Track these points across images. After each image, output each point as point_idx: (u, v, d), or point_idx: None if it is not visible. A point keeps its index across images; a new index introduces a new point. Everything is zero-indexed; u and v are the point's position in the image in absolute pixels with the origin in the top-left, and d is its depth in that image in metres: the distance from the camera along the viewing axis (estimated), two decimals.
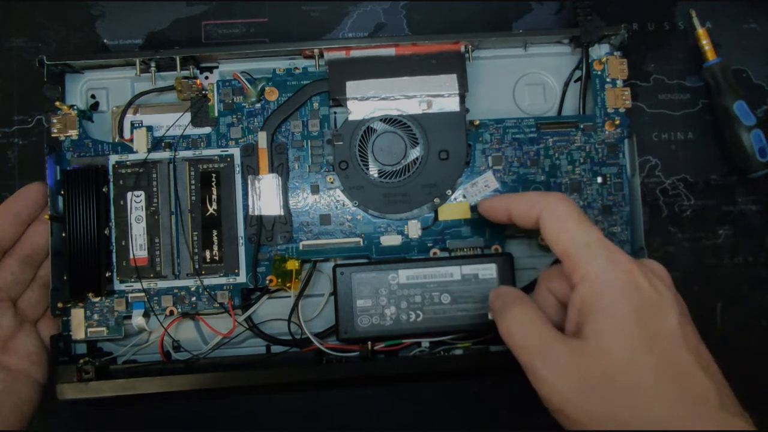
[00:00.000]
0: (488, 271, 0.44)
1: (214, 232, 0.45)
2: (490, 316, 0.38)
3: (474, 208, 0.45)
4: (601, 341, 0.31)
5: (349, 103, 0.46)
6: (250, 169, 0.46)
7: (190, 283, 0.45)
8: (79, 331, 0.45)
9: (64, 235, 0.44)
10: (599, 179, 0.47)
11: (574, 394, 0.31)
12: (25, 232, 0.45)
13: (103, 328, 0.45)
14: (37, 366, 0.44)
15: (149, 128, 0.46)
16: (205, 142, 0.46)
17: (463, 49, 0.46)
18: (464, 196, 0.47)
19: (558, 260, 0.36)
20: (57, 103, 0.46)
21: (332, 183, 0.46)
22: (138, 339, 0.47)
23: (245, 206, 0.46)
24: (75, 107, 0.46)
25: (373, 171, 0.46)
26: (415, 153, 0.46)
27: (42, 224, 0.45)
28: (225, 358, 0.46)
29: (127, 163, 0.46)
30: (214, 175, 0.46)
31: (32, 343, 0.44)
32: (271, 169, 0.46)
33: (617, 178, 0.47)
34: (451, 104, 0.46)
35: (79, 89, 0.48)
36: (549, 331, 0.33)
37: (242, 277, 0.46)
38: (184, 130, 0.47)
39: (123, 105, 0.47)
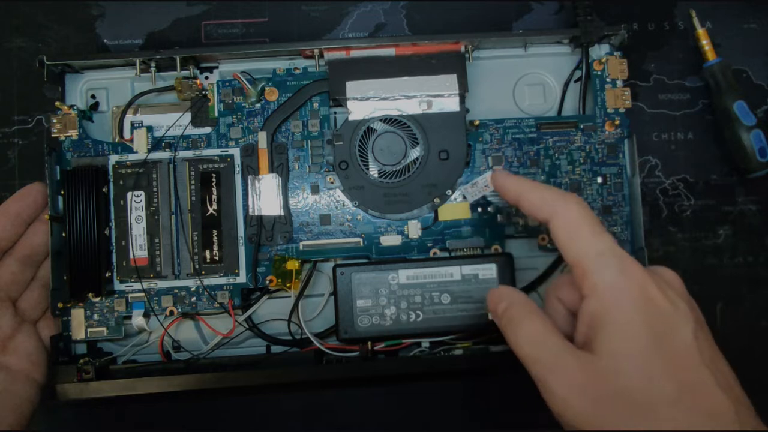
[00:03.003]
0: (488, 271, 0.44)
1: (214, 232, 0.45)
2: (489, 317, 0.37)
3: (473, 201, 0.45)
4: (614, 358, 0.30)
5: (349, 103, 0.46)
6: (250, 169, 0.46)
7: (190, 283, 0.45)
8: (79, 331, 0.45)
9: (64, 235, 0.44)
10: (599, 179, 0.47)
11: (587, 409, 0.30)
12: (24, 233, 0.45)
13: (103, 328, 0.45)
14: (36, 366, 0.43)
15: (149, 128, 0.46)
16: (205, 142, 0.46)
17: (463, 49, 0.46)
18: (464, 196, 0.47)
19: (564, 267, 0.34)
20: (57, 103, 0.46)
21: (332, 183, 0.46)
22: (138, 339, 0.47)
23: (245, 206, 0.46)
24: (75, 107, 0.46)
25: (373, 171, 0.46)
26: (415, 153, 0.46)
27: (41, 224, 0.45)
28: (225, 358, 0.46)
29: (127, 163, 0.46)
30: (214, 175, 0.46)
31: (32, 343, 0.44)
32: (271, 169, 0.46)
33: (617, 178, 0.47)
34: (451, 104, 0.46)
35: (79, 89, 0.48)
36: (560, 343, 0.32)
37: (242, 277, 0.46)
38: (184, 130, 0.47)
39: (123, 105, 0.47)
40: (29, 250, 0.45)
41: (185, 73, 0.46)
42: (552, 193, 0.35)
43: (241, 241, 0.45)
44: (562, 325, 0.35)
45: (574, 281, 0.33)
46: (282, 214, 0.46)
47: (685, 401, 0.29)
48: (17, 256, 0.44)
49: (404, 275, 0.44)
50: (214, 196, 0.46)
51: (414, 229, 0.46)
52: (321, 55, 0.46)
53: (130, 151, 0.46)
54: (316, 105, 0.47)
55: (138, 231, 0.45)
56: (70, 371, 0.44)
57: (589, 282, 0.32)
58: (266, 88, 0.46)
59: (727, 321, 0.51)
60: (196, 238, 0.45)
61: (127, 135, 0.47)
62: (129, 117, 0.47)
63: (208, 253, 0.45)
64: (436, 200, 0.46)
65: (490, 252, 0.46)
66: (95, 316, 0.45)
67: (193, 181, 0.46)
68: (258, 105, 0.46)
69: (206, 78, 0.48)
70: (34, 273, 0.45)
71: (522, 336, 0.33)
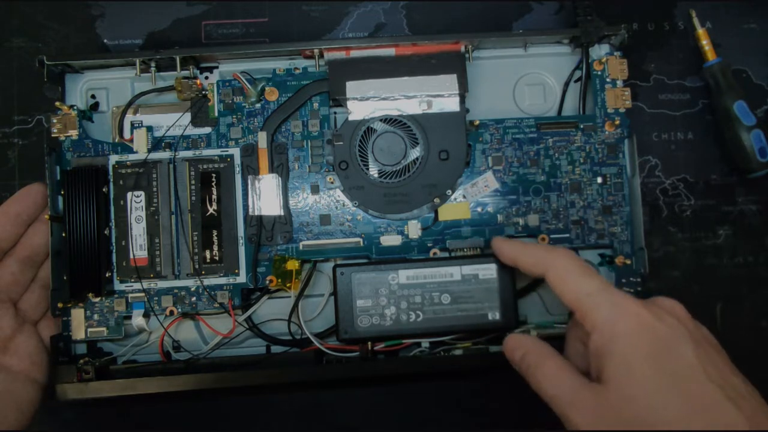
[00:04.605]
0: (488, 271, 0.44)
1: (214, 232, 0.45)
2: (515, 367, 0.39)
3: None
4: (620, 386, 0.32)
5: (349, 103, 0.46)
6: (250, 169, 0.46)
7: (190, 283, 0.45)
8: (79, 331, 0.45)
9: (64, 235, 0.44)
10: (599, 179, 0.47)
11: None
12: (25, 234, 0.45)
13: (103, 328, 0.45)
14: (37, 366, 0.43)
15: (149, 128, 0.46)
16: (205, 142, 0.46)
17: (463, 49, 0.46)
18: (464, 196, 0.47)
19: None
20: (57, 103, 0.46)
21: (332, 183, 0.46)
22: (138, 339, 0.47)
23: (245, 206, 0.46)
24: (75, 107, 0.46)
25: (373, 171, 0.46)
26: (415, 153, 0.46)
27: (42, 225, 0.45)
28: (225, 358, 0.46)
29: (127, 163, 0.46)
30: (214, 175, 0.46)
31: (32, 343, 0.44)
32: (271, 169, 0.46)
33: (617, 178, 0.47)
34: (451, 104, 0.46)
35: (79, 89, 0.48)
36: (576, 380, 0.34)
37: (242, 277, 0.46)
38: (184, 130, 0.47)
39: (123, 105, 0.47)
40: (29, 250, 0.45)
41: (185, 73, 0.46)
42: (542, 250, 0.39)
43: (241, 241, 0.45)
44: (582, 363, 0.37)
45: (578, 322, 0.35)
46: (282, 214, 0.46)
47: (695, 419, 0.30)
48: (17, 257, 0.44)
49: (404, 275, 0.44)
50: (214, 196, 0.46)
51: (414, 229, 0.46)
52: (321, 55, 0.46)
53: (130, 151, 0.46)
54: (316, 105, 0.47)
55: (138, 231, 0.45)
56: (70, 371, 0.44)
57: (588, 320, 0.34)
58: (266, 88, 0.46)
59: (727, 321, 0.51)
60: (196, 238, 0.45)
61: (127, 135, 0.47)
62: (129, 117, 0.47)
63: (208, 253, 0.45)
64: (436, 200, 0.46)
65: (490, 252, 0.46)
66: (95, 316, 0.45)
67: (193, 181, 0.46)
68: (258, 105, 0.46)
69: (206, 78, 0.48)
70: (35, 274, 0.45)
71: (541, 378, 0.36)
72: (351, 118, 0.46)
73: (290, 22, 0.52)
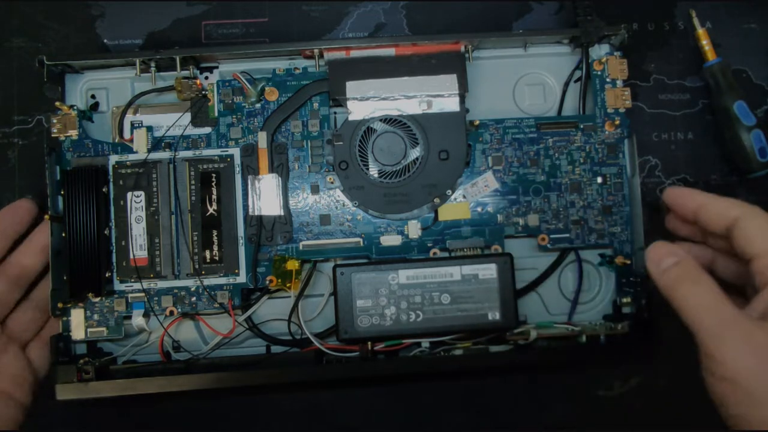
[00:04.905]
0: (488, 271, 0.44)
1: (214, 232, 0.45)
2: (647, 266, 0.36)
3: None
4: None
5: (349, 103, 0.46)
6: (250, 169, 0.46)
7: (190, 283, 0.45)
8: (79, 331, 0.45)
9: (64, 235, 0.44)
10: (599, 179, 0.47)
11: (758, 365, 0.30)
12: (13, 254, 0.44)
13: (103, 328, 0.45)
14: (20, 387, 0.43)
15: (149, 128, 0.46)
16: (205, 142, 0.46)
17: (463, 49, 0.46)
18: (464, 196, 0.47)
19: None
20: (57, 103, 0.46)
21: (332, 183, 0.46)
22: (138, 339, 0.47)
23: (245, 206, 0.46)
24: (75, 107, 0.46)
25: (373, 171, 0.46)
26: (415, 153, 0.46)
27: (32, 245, 0.45)
28: (225, 358, 0.46)
29: (127, 163, 0.46)
30: (214, 175, 0.46)
31: (17, 364, 0.43)
32: (271, 169, 0.46)
33: (617, 178, 0.47)
34: (451, 104, 0.46)
35: (79, 89, 0.48)
36: (735, 310, 0.32)
37: (242, 277, 0.46)
38: (184, 130, 0.47)
39: (123, 105, 0.47)
40: (18, 270, 0.44)
41: (185, 73, 0.46)
42: (734, 200, 0.37)
43: (241, 241, 0.45)
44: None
45: (755, 269, 0.34)
46: (282, 214, 0.46)
47: None
48: (6, 276, 0.44)
49: (404, 275, 0.44)
50: (214, 196, 0.46)
51: (414, 229, 0.46)
52: (321, 55, 0.46)
53: (130, 151, 0.46)
54: (316, 105, 0.47)
55: (138, 231, 0.45)
56: (70, 371, 0.44)
57: None
58: (266, 88, 0.46)
59: None
60: (196, 238, 0.45)
61: (127, 135, 0.47)
62: (129, 117, 0.47)
63: (208, 253, 0.45)
64: (436, 200, 0.46)
65: (490, 252, 0.46)
66: (95, 316, 0.45)
67: (193, 181, 0.46)
68: (258, 105, 0.46)
69: (206, 78, 0.48)
70: (22, 294, 0.45)
71: (693, 298, 0.33)
72: (351, 118, 0.46)
73: (290, 22, 0.52)
